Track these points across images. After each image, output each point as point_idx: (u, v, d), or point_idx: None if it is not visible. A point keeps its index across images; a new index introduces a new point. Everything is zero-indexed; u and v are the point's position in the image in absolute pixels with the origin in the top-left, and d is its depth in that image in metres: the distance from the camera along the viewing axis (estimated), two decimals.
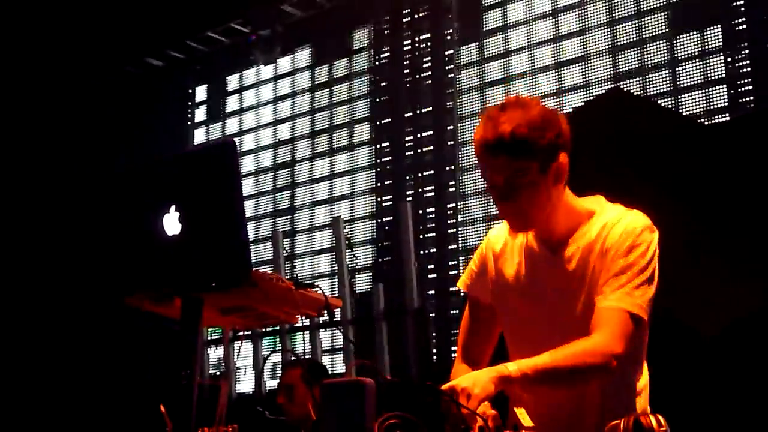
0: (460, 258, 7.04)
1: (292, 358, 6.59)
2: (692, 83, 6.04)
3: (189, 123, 9.09)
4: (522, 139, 2.22)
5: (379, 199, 7.60)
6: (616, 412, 2.12)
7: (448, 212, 7.12)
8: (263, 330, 7.32)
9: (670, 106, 5.98)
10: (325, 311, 2.28)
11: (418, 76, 7.52)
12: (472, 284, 2.58)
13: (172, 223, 2.10)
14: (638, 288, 2.27)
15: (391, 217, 7.42)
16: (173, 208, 2.09)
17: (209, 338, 7.82)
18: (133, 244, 2.20)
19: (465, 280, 2.61)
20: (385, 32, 7.80)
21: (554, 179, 2.31)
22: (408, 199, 7.28)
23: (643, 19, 6.32)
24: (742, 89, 5.87)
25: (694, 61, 6.07)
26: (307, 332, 7.26)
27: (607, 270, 2.29)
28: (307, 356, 6.95)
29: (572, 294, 2.35)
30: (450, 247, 7.12)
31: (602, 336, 2.22)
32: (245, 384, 7.85)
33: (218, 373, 7.74)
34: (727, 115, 5.84)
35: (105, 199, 2.26)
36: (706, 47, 6.03)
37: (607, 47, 6.47)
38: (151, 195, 2.17)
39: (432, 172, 7.30)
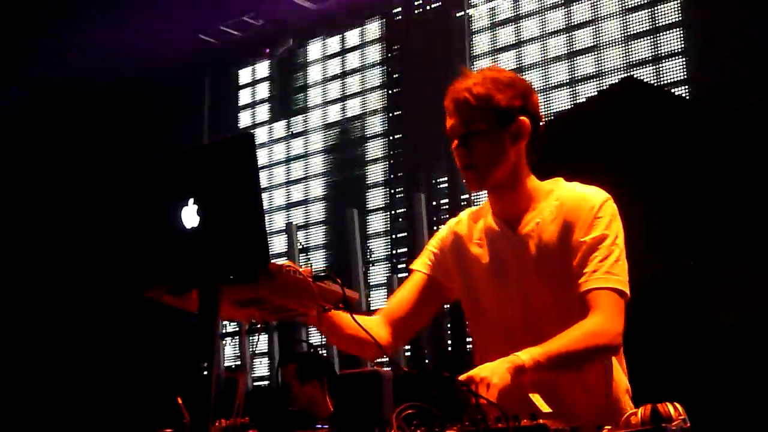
0: None
1: (301, 351, 6.59)
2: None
3: (202, 116, 9.11)
4: (483, 92, 2.36)
5: (392, 191, 7.61)
6: (603, 392, 2.21)
7: (462, 203, 7.11)
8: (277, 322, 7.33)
9: (684, 95, 5.96)
10: (343, 303, 2.28)
11: (431, 68, 7.51)
12: (434, 266, 2.58)
13: (190, 215, 2.10)
14: (616, 263, 2.31)
15: (405, 209, 7.42)
16: (191, 200, 2.10)
17: (225, 330, 7.85)
18: (152, 237, 2.21)
19: (425, 261, 2.60)
20: (398, 23, 7.80)
21: (512, 138, 2.39)
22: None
23: (656, 7, 6.29)
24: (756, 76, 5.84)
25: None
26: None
27: (578, 248, 2.32)
28: (312, 350, 6.96)
29: (535, 268, 2.39)
30: None
31: (602, 316, 2.25)
32: (261, 376, 7.88)
33: (235, 366, 7.77)
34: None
35: (123, 191, 2.27)
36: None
37: (619, 36, 6.44)
38: (170, 187, 2.17)
39: (445, 162, 7.30)
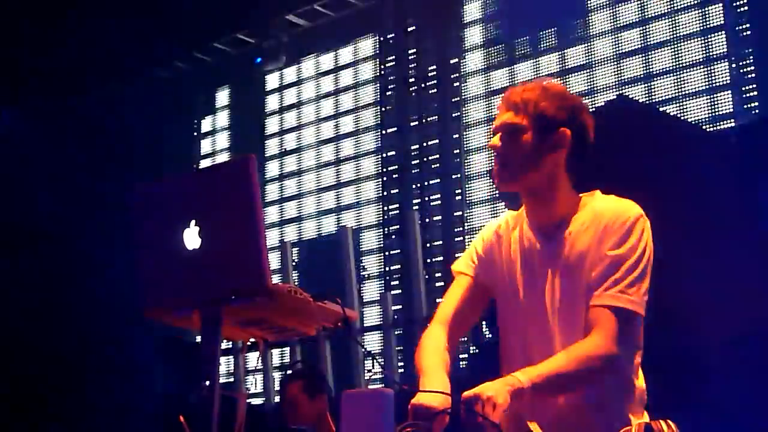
0: None
1: (289, 372, 6.56)
2: (697, 89, 6.07)
3: (196, 134, 9.14)
4: (533, 97, 2.42)
5: (386, 208, 7.63)
6: (611, 413, 2.20)
7: (455, 220, 7.14)
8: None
9: (675, 113, 6.00)
10: (342, 323, 2.30)
11: (423, 85, 7.56)
12: (478, 268, 2.55)
13: (192, 237, 2.13)
14: (632, 285, 2.28)
15: (399, 226, 7.45)
16: (193, 222, 2.12)
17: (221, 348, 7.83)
18: (154, 258, 2.23)
19: (468, 263, 2.58)
20: (391, 41, 7.84)
21: (550, 147, 2.40)
22: (415, 207, 7.30)
23: (647, 26, 6.34)
24: (748, 95, 5.90)
25: (698, 67, 6.10)
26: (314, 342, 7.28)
27: (600, 262, 2.32)
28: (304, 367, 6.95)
29: (569, 278, 2.37)
30: (457, 255, 7.14)
31: (600, 337, 2.24)
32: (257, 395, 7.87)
33: (233, 384, 7.75)
34: (733, 121, 5.86)
35: (126, 213, 2.29)
36: (711, 53, 6.06)
37: (611, 54, 6.50)
38: (172, 210, 2.20)
39: (438, 180, 7.34)
